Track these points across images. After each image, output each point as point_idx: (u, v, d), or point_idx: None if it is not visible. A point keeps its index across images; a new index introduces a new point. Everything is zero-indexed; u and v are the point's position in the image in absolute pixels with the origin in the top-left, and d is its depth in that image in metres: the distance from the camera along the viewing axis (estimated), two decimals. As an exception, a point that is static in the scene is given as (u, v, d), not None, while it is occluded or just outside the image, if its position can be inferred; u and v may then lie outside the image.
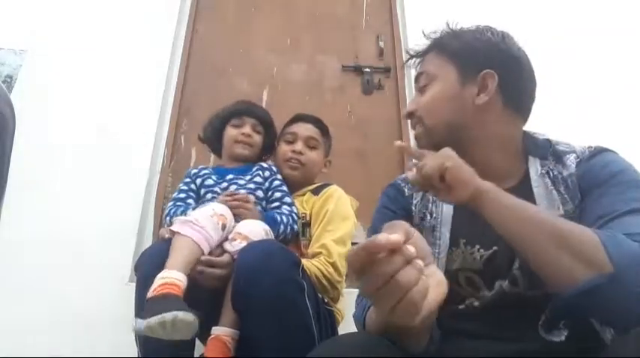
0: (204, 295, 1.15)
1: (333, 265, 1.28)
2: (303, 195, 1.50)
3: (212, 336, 1.08)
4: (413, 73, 1.01)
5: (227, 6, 2.49)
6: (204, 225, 1.15)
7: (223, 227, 1.20)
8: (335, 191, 1.47)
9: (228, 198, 1.29)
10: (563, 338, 0.73)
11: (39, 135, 1.90)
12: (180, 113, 2.16)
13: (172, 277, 1.02)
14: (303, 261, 1.19)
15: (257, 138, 1.53)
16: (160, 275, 1.03)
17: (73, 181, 1.86)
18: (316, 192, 1.48)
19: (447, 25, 0.94)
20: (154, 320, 0.92)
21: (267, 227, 1.25)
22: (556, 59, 2.23)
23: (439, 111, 0.89)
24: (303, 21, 2.47)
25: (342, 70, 2.35)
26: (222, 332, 1.08)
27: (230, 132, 1.52)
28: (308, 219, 1.42)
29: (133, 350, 1.16)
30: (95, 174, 1.89)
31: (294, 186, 1.51)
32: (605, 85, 2.24)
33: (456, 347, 0.80)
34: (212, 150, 1.64)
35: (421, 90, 0.93)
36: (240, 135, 1.50)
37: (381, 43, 2.40)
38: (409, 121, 0.97)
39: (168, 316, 0.92)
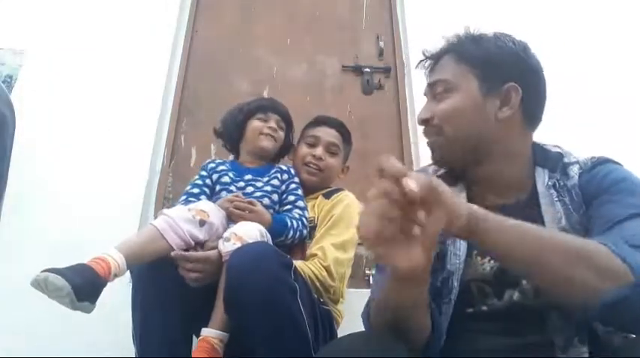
0: (195, 296, 1.15)
1: (327, 269, 1.27)
2: (316, 198, 1.49)
3: (200, 338, 1.08)
4: (413, 72, 1.00)
5: (227, 6, 2.49)
6: (173, 216, 1.16)
7: (202, 223, 1.19)
8: (345, 196, 1.45)
9: (229, 204, 1.29)
10: (586, 355, 0.71)
11: (39, 136, 1.90)
12: (180, 113, 2.16)
13: (108, 254, 1.07)
14: (297, 263, 1.19)
15: (281, 134, 1.52)
16: (106, 250, 1.07)
17: (73, 181, 1.86)
18: (328, 195, 1.47)
19: (467, 29, 0.91)
20: (35, 276, 0.98)
21: (263, 229, 1.23)
22: (555, 61, 2.23)
23: (461, 122, 0.86)
24: (303, 21, 2.47)
25: (342, 70, 2.35)
26: (210, 334, 1.08)
27: (255, 124, 1.50)
28: (315, 222, 1.42)
29: (132, 350, 1.16)
30: (95, 174, 1.89)
31: (309, 190, 1.50)
32: (608, 88, 2.24)
33: (465, 344, 0.80)
34: (228, 144, 1.58)
35: (438, 97, 0.89)
36: (267, 128, 1.49)
37: (381, 43, 2.40)
38: (422, 128, 0.93)
39: (42, 275, 0.97)
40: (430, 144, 0.91)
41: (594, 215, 0.77)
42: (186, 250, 1.16)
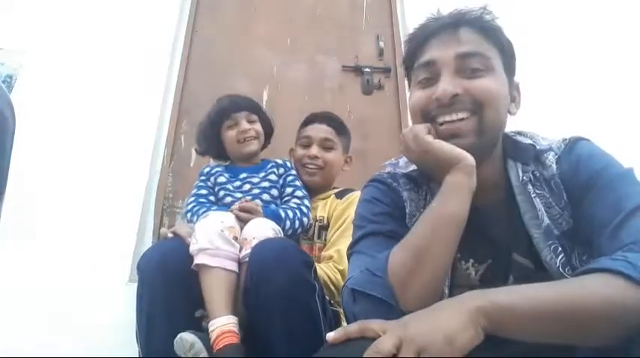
0: (201, 297, 1.13)
1: (342, 273, 1.27)
2: (327, 197, 1.48)
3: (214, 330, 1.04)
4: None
5: (227, 6, 2.48)
6: (220, 247, 1.13)
7: (235, 238, 1.18)
8: (359, 197, 1.44)
9: (236, 210, 1.26)
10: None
11: (39, 135, 1.90)
12: (180, 113, 2.16)
13: (222, 324, 1.03)
14: None
15: (257, 128, 1.48)
16: (210, 325, 1.03)
17: (73, 181, 1.86)
18: (340, 195, 1.46)
19: (486, 9, 0.82)
20: None
21: (275, 226, 1.22)
22: (552, 57, 2.24)
23: (499, 108, 0.78)
24: (303, 21, 2.47)
25: (342, 70, 2.35)
26: (219, 322, 1.05)
27: (228, 134, 1.46)
28: (325, 222, 1.41)
29: (133, 350, 1.16)
30: (95, 174, 1.89)
31: (316, 190, 1.49)
32: (596, 81, 2.24)
33: None
34: (216, 158, 1.57)
35: (469, 73, 0.78)
36: (240, 133, 1.45)
37: (381, 43, 2.40)
38: (435, 106, 0.79)
39: None
40: (456, 125, 0.77)
41: (590, 214, 0.74)
42: None
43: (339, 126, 1.56)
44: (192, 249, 1.14)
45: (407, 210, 0.86)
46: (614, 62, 2.30)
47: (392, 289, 0.70)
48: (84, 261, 1.72)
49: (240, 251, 1.16)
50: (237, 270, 1.13)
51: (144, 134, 2.02)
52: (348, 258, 0.87)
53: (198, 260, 1.11)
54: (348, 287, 0.76)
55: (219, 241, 1.13)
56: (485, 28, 0.81)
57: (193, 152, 2.09)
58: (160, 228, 1.83)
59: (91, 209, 1.82)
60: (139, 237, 1.83)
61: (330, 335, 0.60)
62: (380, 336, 0.56)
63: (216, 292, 1.08)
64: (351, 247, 0.87)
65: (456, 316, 0.57)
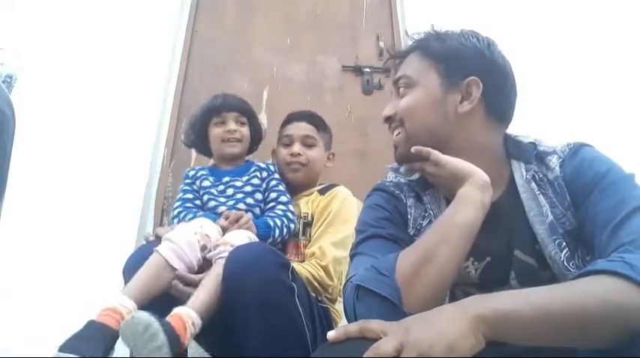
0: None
1: (325, 268, 1.27)
2: (310, 194, 1.48)
3: (171, 314, 1.00)
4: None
5: (227, 6, 2.49)
6: (179, 243, 1.12)
7: (203, 248, 1.16)
8: (341, 192, 1.45)
9: (224, 223, 1.25)
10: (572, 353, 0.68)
11: (39, 135, 1.90)
12: (180, 113, 2.16)
13: (119, 304, 1.00)
14: (294, 264, 1.18)
15: (244, 131, 1.46)
16: (111, 298, 1.01)
17: (73, 181, 1.86)
18: (323, 191, 1.46)
19: (432, 27, 0.92)
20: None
21: (251, 235, 1.22)
22: (552, 60, 2.24)
23: (420, 117, 0.87)
24: (303, 21, 2.47)
25: (342, 70, 2.36)
26: (184, 311, 1.00)
27: (214, 131, 1.45)
28: (310, 218, 1.41)
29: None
30: (95, 174, 1.89)
31: (300, 187, 1.50)
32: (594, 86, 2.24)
33: None
34: (200, 152, 1.57)
35: (401, 93, 0.91)
36: (226, 133, 1.43)
37: (381, 43, 2.40)
38: (388, 126, 0.94)
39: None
40: (393, 141, 0.92)
41: (592, 215, 0.76)
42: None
43: (319, 123, 1.56)
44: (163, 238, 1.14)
45: (410, 217, 0.89)
46: (615, 67, 2.30)
47: (398, 289, 0.71)
48: (84, 261, 1.72)
49: (208, 253, 1.15)
50: (178, 267, 1.10)
51: (144, 134, 2.02)
52: (350, 260, 0.88)
53: (159, 247, 1.11)
54: (353, 283, 0.76)
55: (185, 242, 1.13)
56: (423, 47, 0.90)
57: (193, 152, 2.09)
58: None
59: (90, 209, 1.82)
60: (139, 237, 1.83)
61: (330, 335, 0.61)
62: (380, 337, 0.57)
63: (141, 275, 1.07)
64: (352, 249, 0.89)
65: (457, 323, 0.57)
